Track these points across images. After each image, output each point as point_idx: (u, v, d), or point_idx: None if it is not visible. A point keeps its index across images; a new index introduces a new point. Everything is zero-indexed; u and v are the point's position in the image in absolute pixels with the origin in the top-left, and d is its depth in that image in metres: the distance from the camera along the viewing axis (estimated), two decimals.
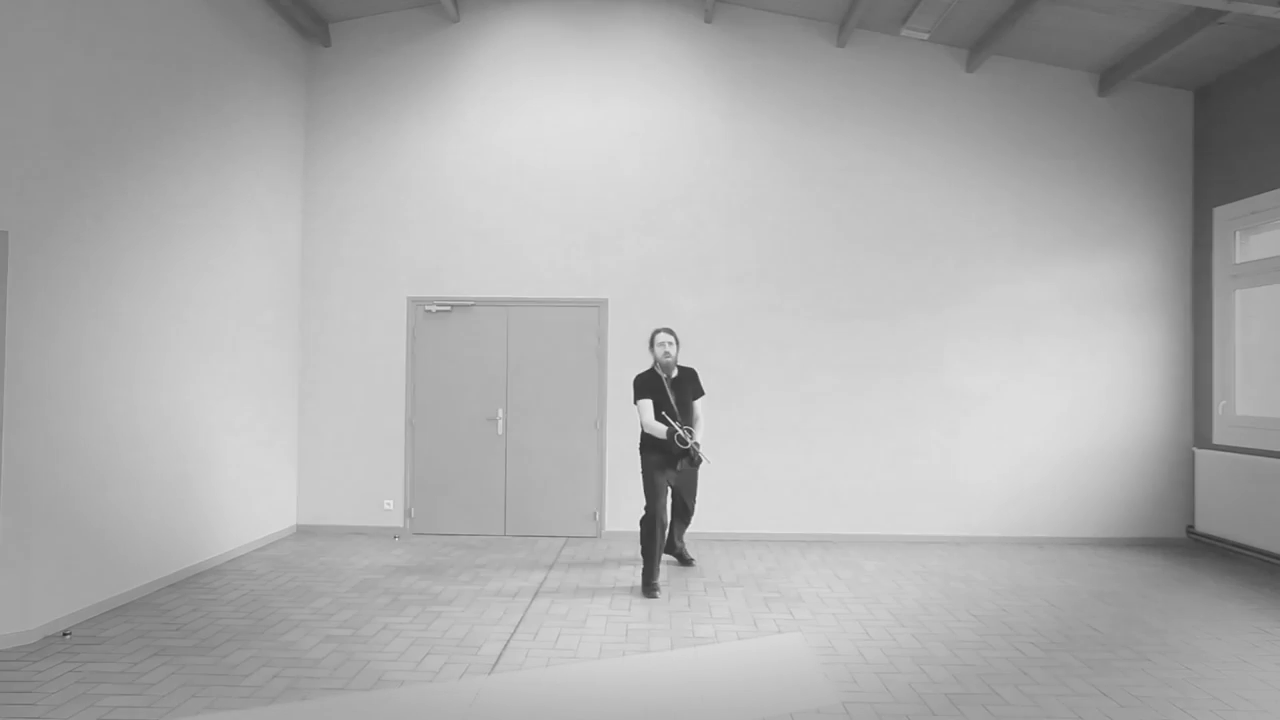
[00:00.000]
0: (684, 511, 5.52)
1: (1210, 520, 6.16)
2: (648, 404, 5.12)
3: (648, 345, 5.30)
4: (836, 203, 6.60)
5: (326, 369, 6.64)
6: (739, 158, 6.63)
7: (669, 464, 5.09)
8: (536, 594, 4.89)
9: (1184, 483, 6.48)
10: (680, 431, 4.98)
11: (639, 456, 5.25)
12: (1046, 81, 6.60)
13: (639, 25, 6.70)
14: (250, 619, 4.34)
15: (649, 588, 4.91)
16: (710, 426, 6.33)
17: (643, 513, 5.17)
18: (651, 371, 5.23)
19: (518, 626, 4.27)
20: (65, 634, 4.03)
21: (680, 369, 5.27)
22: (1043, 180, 6.59)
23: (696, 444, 5.04)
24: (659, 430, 5.01)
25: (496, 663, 3.74)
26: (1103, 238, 6.57)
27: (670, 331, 5.29)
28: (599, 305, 6.61)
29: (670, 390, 5.15)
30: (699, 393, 5.32)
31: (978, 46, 6.44)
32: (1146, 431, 6.51)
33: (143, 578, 4.76)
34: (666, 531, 5.24)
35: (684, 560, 5.66)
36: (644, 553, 5.04)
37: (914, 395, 6.53)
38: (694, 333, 6.48)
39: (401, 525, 6.56)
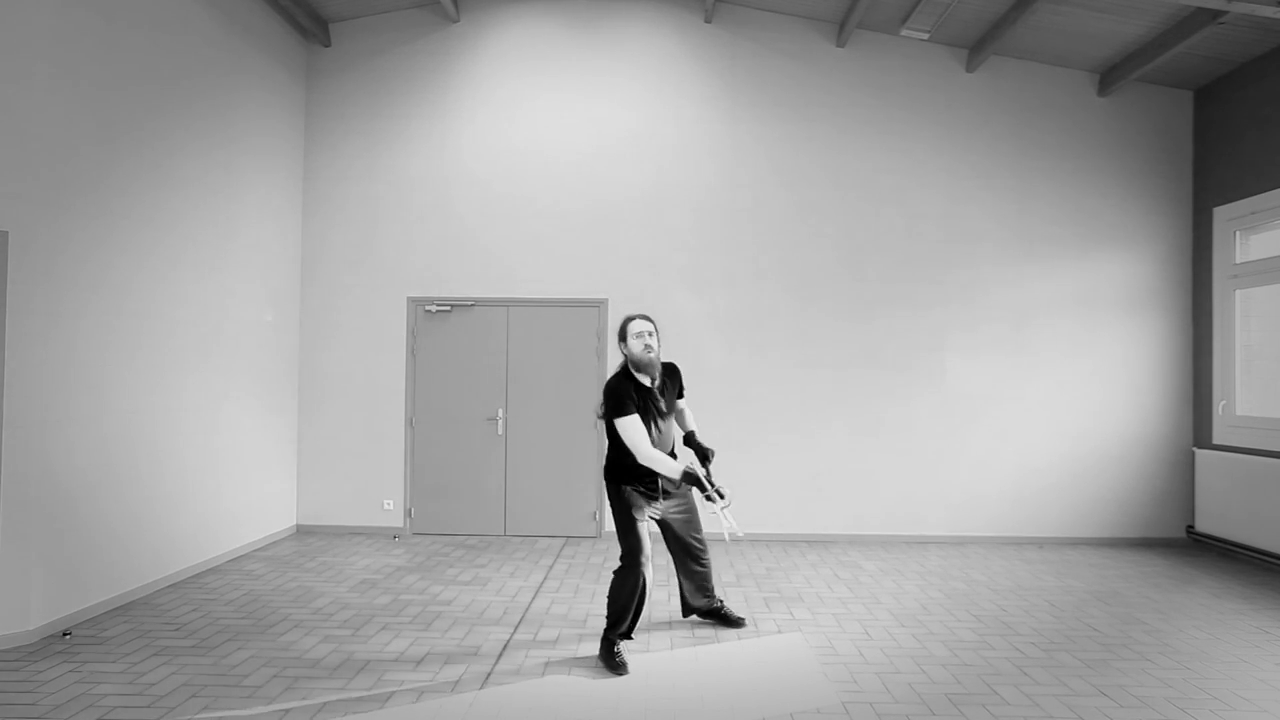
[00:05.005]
0: (691, 551, 4.12)
1: (1210, 520, 6.16)
2: (638, 425, 3.71)
3: (618, 338, 3.93)
4: (836, 202, 6.60)
5: (326, 369, 6.64)
6: (739, 157, 6.63)
7: (655, 496, 3.93)
8: (536, 594, 4.89)
9: (1184, 483, 6.48)
10: (713, 489, 3.75)
11: (608, 486, 3.91)
12: (1046, 81, 6.60)
13: (639, 25, 6.70)
14: (250, 619, 4.34)
15: (610, 656, 3.68)
16: (710, 428, 6.34)
17: (619, 563, 3.81)
18: (627, 375, 3.85)
19: (518, 626, 4.27)
20: (65, 634, 4.03)
21: (662, 366, 3.98)
22: (1043, 180, 6.59)
23: (719, 490, 3.82)
24: (668, 467, 3.69)
25: (496, 663, 3.74)
26: (1103, 237, 6.57)
27: (648, 318, 3.92)
28: (599, 305, 6.61)
29: (659, 399, 3.90)
30: (680, 393, 4.12)
31: (978, 46, 6.44)
32: (1146, 431, 6.51)
33: (143, 578, 4.76)
34: (649, 590, 4.15)
35: (730, 620, 4.23)
36: (609, 611, 3.77)
37: (914, 395, 6.53)
38: (694, 332, 6.49)
39: (401, 525, 6.56)
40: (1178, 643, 4.10)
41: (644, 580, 3.75)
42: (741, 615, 4.37)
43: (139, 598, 4.69)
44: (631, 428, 3.70)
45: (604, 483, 3.98)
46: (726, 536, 3.89)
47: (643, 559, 3.74)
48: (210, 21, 5.41)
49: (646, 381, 3.87)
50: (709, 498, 3.77)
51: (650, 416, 3.83)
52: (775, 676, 3.60)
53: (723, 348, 6.54)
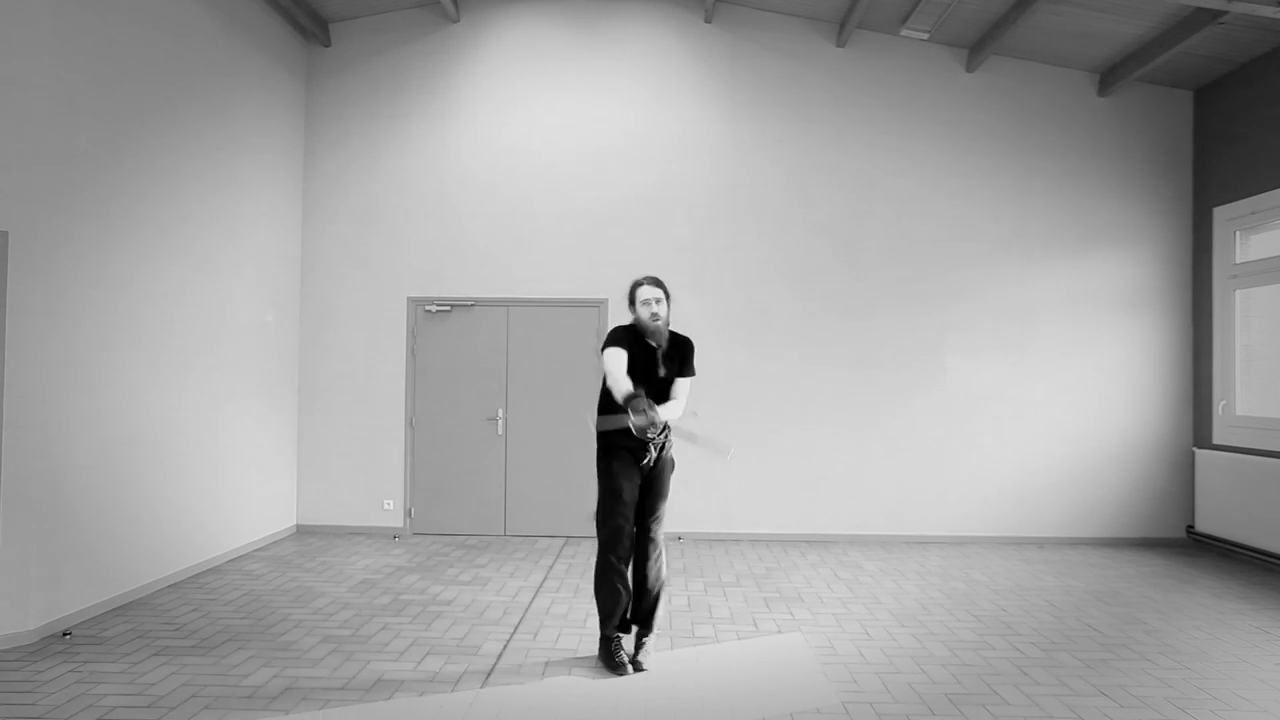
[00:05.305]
0: (645, 540, 3.75)
1: (1210, 520, 6.16)
2: (620, 355, 3.58)
3: (627, 302, 3.82)
4: (836, 202, 6.60)
5: (326, 369, 6.64)
6: (739, 157, 6.63)
7: (637, 467, 3.69)
8: (536, 594, 4.89)
9: (1184, 483, 6.48)
10: (649, 413, 3.33)
11: (598, 455, 3.76)
12: (1046, 81, 6.60)
13: (639, 25, 6.70)
14: (250, 619, 4.34)
15: (610, 656, 3.63)
16: (709, 428, 6.33)
17: (598, 547, 3.69)
18: (631, 327, 3.77)
19: (518, 626, 4.27)
20: (65, 634, 4.02)
21: (674, 337, 3.83)
22: (1043, 180, 6.59)
23: (659, 431, 3.54)
24: (621, 389, 3.44)
25: (496, 663, 3.74)
26: (1103, 238, 6.57)
27: (659, 284, 3.76)
28: (599, 305, 6.61)
29: (658, 362, 3.74)
30: (687, 371, 3.86)
31: (978, 46, 6.44)
32: (1146, 431, 6.51)
33: (143, 578, 4.76)
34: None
35: (634, 662, 3.66)
36: (598, 607, 3.73)
37: (914, 395, 6.53)
38: (693, 332, 6.44)
39: (401, 525, 6.56)
40: (1178, 643, 4.10)
41: (622, 565, 3.65)
42: (642, 664, 3.65)
43: (139, 598, 4.69)
44: (612, 358, 3.56)
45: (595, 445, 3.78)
46: (632, 425, 3.39)
47: (622, 539, 3.63)
48: (210, 21, 5.41)
49: (651, 344, 3.73)
50: (639, 427, 3.36)
51: (638, 364, 3.65)
52: (775, 676, 3.60)
53: (722, 347, 6.53)
